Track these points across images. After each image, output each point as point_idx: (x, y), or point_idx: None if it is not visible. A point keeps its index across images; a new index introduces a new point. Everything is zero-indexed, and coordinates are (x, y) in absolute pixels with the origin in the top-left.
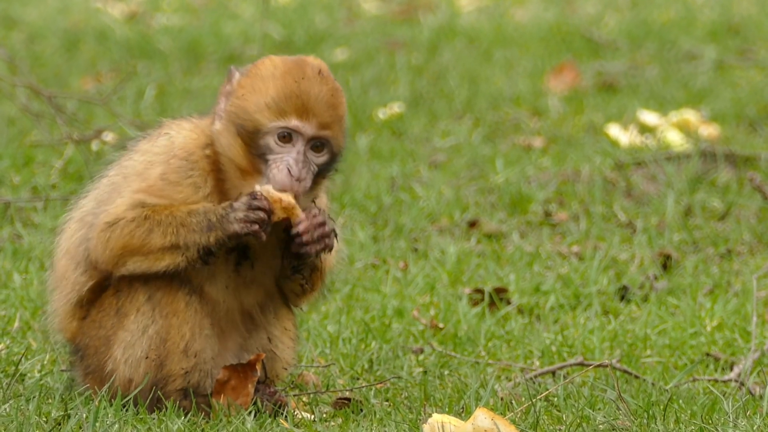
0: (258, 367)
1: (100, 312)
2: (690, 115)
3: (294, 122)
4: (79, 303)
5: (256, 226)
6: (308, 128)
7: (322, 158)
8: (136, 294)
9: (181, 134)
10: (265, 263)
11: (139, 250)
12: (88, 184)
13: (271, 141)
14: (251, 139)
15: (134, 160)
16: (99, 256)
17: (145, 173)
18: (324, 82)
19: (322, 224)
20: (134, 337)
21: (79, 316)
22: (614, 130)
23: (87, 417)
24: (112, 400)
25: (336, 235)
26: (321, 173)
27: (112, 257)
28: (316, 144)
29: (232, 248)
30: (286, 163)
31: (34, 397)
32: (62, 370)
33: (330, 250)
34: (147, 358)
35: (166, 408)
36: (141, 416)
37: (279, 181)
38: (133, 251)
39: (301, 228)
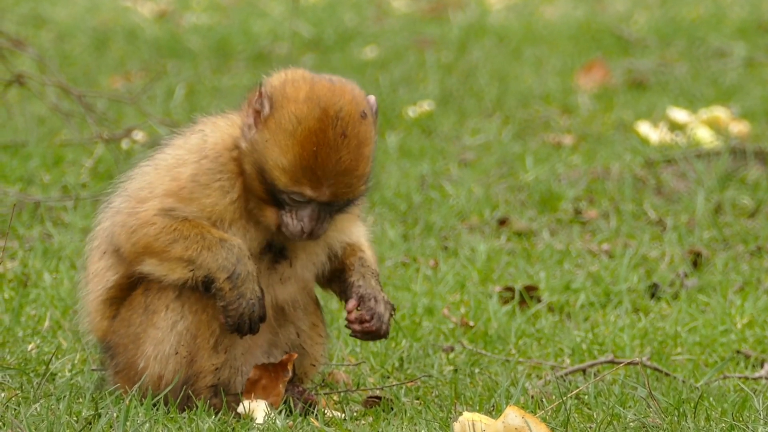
0: (290, 367)
1: (129, 310)
2: (720, 113)
3: (308, 192)
4: (109, 300)
5: (247, 324)
6: (323, 196)
7: (339, 207)
8: (165, 291)
9: (214, 134)
10: (306, 260)
11: (158, 254)
12: (118, 180)
13: (285, 197)
14: (267, 185)
15: (167, 153)
16: (122, 246)
17: (176, 172)
18: (346, 146)
19: (370, 320)
20: (164, 334)
21: (109, 314)
22: (644, 128)
23: (118, 416)
24: (143, 399)
25: (391, 315)
26: (345, 210)
27: (133, 252)
28: (332, 204)
29: (267, 249)
30: (300, 217)
31: (64, 397)
32: (93, 370)
33: (382, 337)
34: (177, 354)
35: (197, 407)
36: (171, 415)
37: (292, 231)
38: (153, 253)
39: (350, 317)
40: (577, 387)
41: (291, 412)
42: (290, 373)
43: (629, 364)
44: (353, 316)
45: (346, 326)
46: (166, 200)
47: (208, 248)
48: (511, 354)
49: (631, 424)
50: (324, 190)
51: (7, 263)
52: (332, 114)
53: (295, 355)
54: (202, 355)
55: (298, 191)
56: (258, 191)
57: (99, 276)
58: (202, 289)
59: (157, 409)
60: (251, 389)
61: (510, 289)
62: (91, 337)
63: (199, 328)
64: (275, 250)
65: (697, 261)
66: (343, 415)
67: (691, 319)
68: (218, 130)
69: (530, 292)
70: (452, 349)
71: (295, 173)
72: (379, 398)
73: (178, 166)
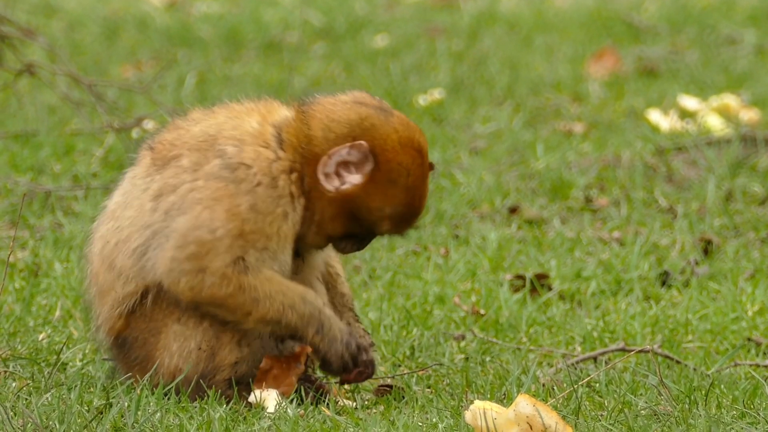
0: (302, 359)
1: (152, 305)
2: (730, 100)
3: (405, 231)
4: (130, 300)
5: (351, 361)
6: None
7: None
8: None
9: (256, 157)
10: (313, 258)
11: (233, 311)
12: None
13: (370, 234)
14: (359, 227)
15: (199, 180)
16: (181, 294)
17: (232, 205)
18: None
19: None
20: (189, 330)
21: (128, 312)
22: (655, 116)
23: (129, 405)
24: (154, 388)
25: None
26: None
27: (191, 299)
28: None
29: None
30: (359, 241)
31: (75, 386)
32: (104, 359)
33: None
34: (200, 349)
35: (208, 396)
36: (183, 404)
37: (343, 251)
38: (225, 308)
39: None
40: (588, 375)
41: (302, 401)
42: (302, 366)
43: (640, 351)
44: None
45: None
46: (235, 246)
47: (291, 306)
48: (522, 342)
49: (642, 411)
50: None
51: (17, 253)
52: (424, 154)
53: (309, 349)
54: (224, 349)
55: (401, 233)
56: (338, 228)
57: (118, 295)
58: (278, 340)
59: (169, 399)
60: (262, 378)
61: (521, 277)
62: (104, 331)
63: (225, 324)
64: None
65: (707, 248)
66: (355, 403)
67: (702, 306)
68: (258, 153)
69: (541, 280)
70: (463, 338)
71: (401, 219)
72: (391, 387)
73: (229, 197)
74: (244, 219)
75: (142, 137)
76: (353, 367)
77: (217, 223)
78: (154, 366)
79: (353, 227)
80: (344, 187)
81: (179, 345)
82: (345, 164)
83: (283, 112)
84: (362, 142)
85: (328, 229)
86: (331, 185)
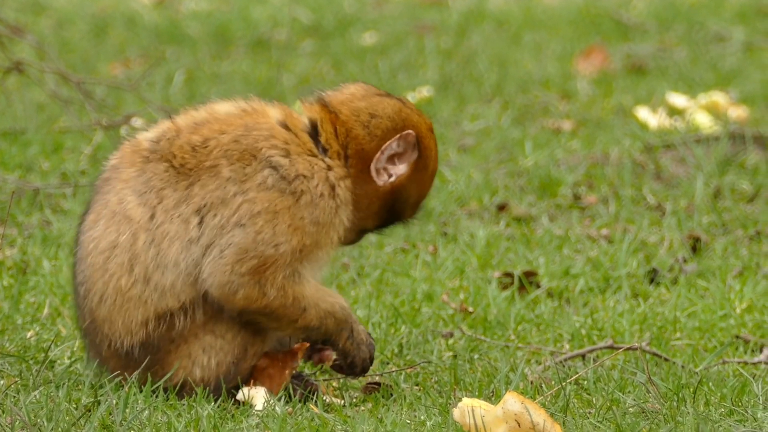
0: (300, 356)
1: (181, 314)
2: (719, 97)
3: (416, 216)
4: (162, 311)
5: (368, 363)
6: None
7: None
8: None
9: (311, 167)
10: None
11: (278, 319)
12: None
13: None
14: (393, 217)
15: (267, 188)
16: (224, 297)
17: (295, 219)
18: None
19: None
20: (223, 342)
21: (157, 324)
22: (643, 113)
23: (117, 403)
24: (142, 386)
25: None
26: None
27: (243, 308)
28: None
29: None
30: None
31: (63, 384)
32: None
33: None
34: (232, 362)
35: (196, 394)
36: (171, 402)
37: (350, 242)
38: (270, 315)
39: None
40: (577, 372)
41: (290, 398)
42: (298, 363)
43: (628, 349)
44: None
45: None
46: (294, 259)
47: (331, 314)
48: (511, 340)
49: (630, 409)
50: None
51: (6, 250)
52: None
53: (307, 345)
54: (247, 361)
55: (414, 216)
56: (376, 221)
57: (154, 290)
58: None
59: (157, 396)
60: (257, 376)
61: (509, 275)
62: (119, 339)
63: (255, 338)
64: None
65: (696, 246)
66: (343, 401)
67: (690, 304)
68: (311, 163)
69: (529, 278)
70: (451, 335)
71: (421, 202)
72: (379, 384)
73: (289, 210)
74: (305, 233)
75: (130, 135)
76: (363, 370)
77: (281, 238)
78: (179, 373)
79: (389, 219)
80: (392, 179)
81: (212, 357)
82: (391, 158)
83: (302, 117)
84: (410, 131)
85: (367, 224)
86: (381, 180)
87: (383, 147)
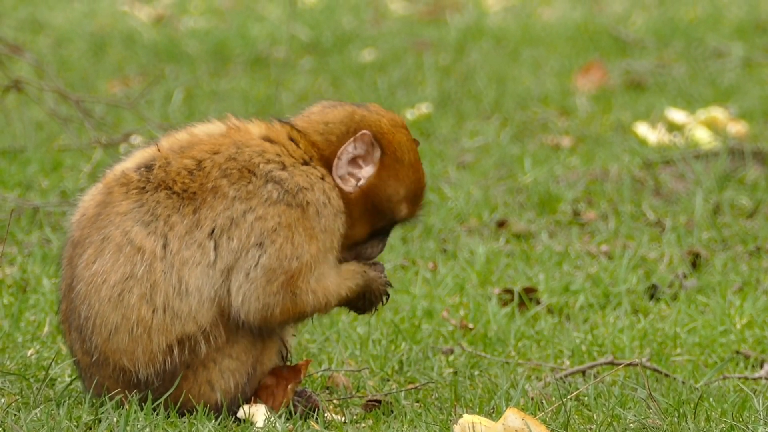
0: (304, 373)
1: (200, 337)
2: (718, 113)
3: (421, 211)
4: (181, 337)
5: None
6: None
7: None
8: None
9: (308, 178)
10: None
11: (308, 316)
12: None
13: (390, 227)
14: (383, 220)
15: (273, 203)
16: (262, 319)
17: (308, 229)
18: None
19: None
20: (238, 364)
21: (179, 350)
22: (642, 129)
23: (118, 421)
24: (143, 403)
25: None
26: None
27: (280, 322)
28: None
29: None
30: (380, 242)
31: (64, 402)
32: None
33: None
34: (245, 383)
35: (196, 411)
36: (172, 420)
37: (369, 257)
38: (302, 317)
39: None
40: (577, 388)
41: (291, 415)
42: (302, 379)
43: (629, 365)
44: None
45: None
46: (316, 263)
47: (347, 297)
48: (511, 356)
49: (631, 425)
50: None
51: (6, 269)
52: (408, 130)
53: (311, 361)
54: (255, 380)
55: (416, 215)
56: (365, 229)
57: (177, 317)
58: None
59: (157, 414)
60: (260, 393)
61: (509, 291)
62: (136, 365)
63: (263, 356)
64: None
65: (696, 262)
66: (344, 418)
67: (690, 319)
68: (307, 173)
69: (529, 294)
70: (452, 352)
71: (415, 197)
72: (379, 401)
73: (300, 222)
74: (318, 240)
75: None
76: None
77: (300, 249)
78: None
79: (377, 222)
80: (361, 182)
81: (227, 380)
82: (353, 161)
83: (273, 128)
84: (364, 131)
85: (356, 235)
86: (349, 186)
87: (339, 152)
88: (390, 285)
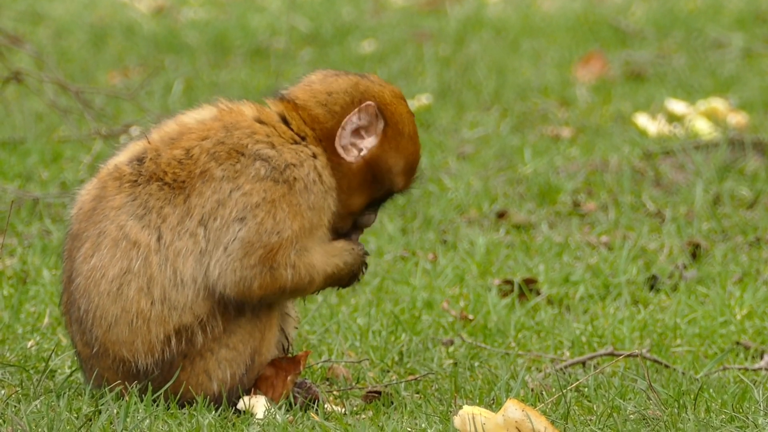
0: (303, 364)
1: (198, 328)
2: (718, 104)
3: (414, 184)
4: (179, 326)
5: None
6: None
7: None
8: (242, 310)
9: (297, 155)
10: None
11: (293, 293)
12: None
13: (388, 198)
14: (381, 191)
15: (260, 179)
16: (240, 293)
17: (293, 205)
18: None
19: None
20: (235, 354)
21: (177, 340)
22: (642, 120)
23: (118, 412)
24: (143, 395)
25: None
26: None
27: (260, 297)
28: None
29: None
30: (375, 211)
31: (64, 393)
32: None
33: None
34: (244, 374)
35: (196, 402)
36: (172, 411)
37: (366, 225)
38: (285, 293)
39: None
40: (577, 379)
41: (291, 406)
42: (301, 370)
43: (629, 356)
44: None
45: None
46: (298, 239)
47: (336, 275)
48: (511, 347)
49: (631, 416)
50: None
51: (6, 260)
52: (407, 102)
53: (310, 353)
54: (255, 370)
55: (411, 187)
56: (363, 199)
57: (174, 308)
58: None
59: (157, 405)
60: (259, 385)
61: (509, 282)
62: (135, 355)
63: (262, 347)
64: None
65: (696, 252)
66: (344, 409)
67: (690, 310)
68: (297, 151)
69: (529, 285)
70: (452, 343)
71: (411, 169)
72: (379, 393)
73: (285, 197)
74: (304, 217)
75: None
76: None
77: (282, 225)
78: (195, 387)
79: (375, 192)
80: (363, 153)
81: (225, 369)
82: (356, 132)
83: (265, 110)
84: (369, 102)
85: (353, 205)
86: (351, 156)
87: (343, 122)
88: (367, 254)
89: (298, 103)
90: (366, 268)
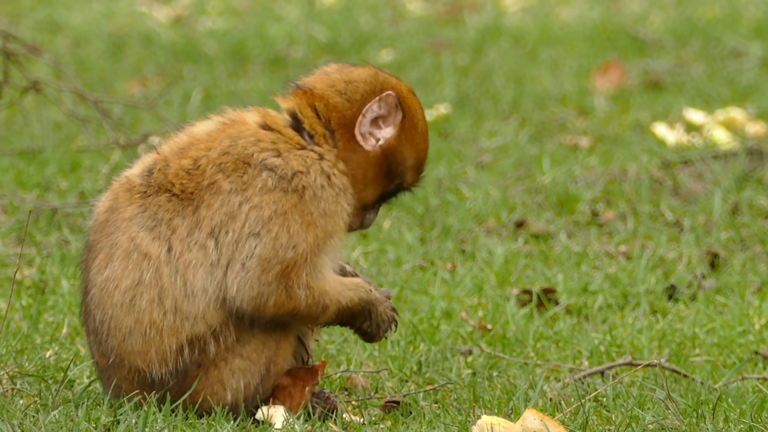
0: (321, 374)
1: (211, 337)
2: (736, 113)
3: (420, 181)
4: (192, 336)
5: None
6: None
7: None
8: (257, 320)
9: (304, 160)
10: None
11: (304, 318)
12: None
13: (395, 193)
14: (392, 185)
15: (269, 190)
16: (256, 309)
17: (305, 216)
18: None
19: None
20: (249, 364)
21: (190, 350)
22: (661, 129)
23: (136, 422)
24: (161, 405)
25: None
26: None
27: (273, 315)
28: None
29: None
30: (376, 209)
31: (83, 403)
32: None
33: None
34: (259, 383)
35: (214, 412)
36: (190, 421)
37: (367, 224)
38: (297, 316)
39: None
40: (596, 389)
41: (309, 416)
42: (319, 380)
43: (647, 366)
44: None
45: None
46: (312, 254)
47: (350, 309)
48: (530, 357)
49: (649, 426)
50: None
51: (24, 270)
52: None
53: (328, 362)
54: (270, 381)
55: (418, 185)
56: (376, 191)
57: (186, 319)
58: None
59: (176, 416)
60: (277, 395)
61: (528, 292)
62: (149, 365)
63: (277, 357)
64: None
65: (714, 262)
66: (362, 419)
67: (709, 320)
68: (302, 157)
69: (548, 295)
70: (470, 353)
71: (421, 165)
72: (398, 402)
73: (296, 208)
74: (317, 226)
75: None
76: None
77: (297, 238)
78: (209, 397)
79: (387, 185)
80: (381, 143)
81: (239, 378)
82: (374, 121)
83: (279, 114)
84: (389, 92)
85: (367, 198)
86: (369, 144)
87: (364, 110)
88: (396, 312)
89: (316, 93)
90: (396, 325)
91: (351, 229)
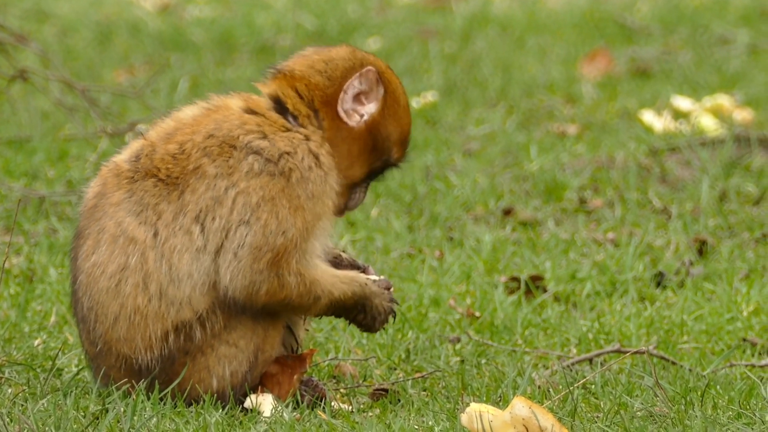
0: (309, 362)
1: (197, 324)
2: (723, 100)
3: (405, 157)
4: (179, 322)
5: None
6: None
7: None
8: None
9: (291, 141)
10: None
11: (296, 307)
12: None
13: (382, 171)
14: (379, 162)
15: (255, 174)
16: (248, 297)
17: (293, 199)
18: None
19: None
20: (237, 351)
21: (175, 336)
22: (648, 116)
23: (125, 411)
24: (150, 393)
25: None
26: None
27: (265, 303)
28: None
29: None
30: (363, 189)
31: (71, 392)
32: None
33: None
34: (247, 371)
35: (203, 401)
36: (179, 409)
37: (354, 205)
38: (289, 306)
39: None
40: (584, 377)
41: (298, 404)
42: (308, 368)
43: (636, 353)
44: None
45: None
46: (302, 239)
47: (343, 303)
48: (518, 344)
49: (638, 413)
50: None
51: (12, 259)
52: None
53: (316, 350)
54: (259, 368)
55: (404, 160)
56: (363, 169)
57: (171, 304)
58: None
59: (165, 404)
60: (266, 383)
61: (516, 279)
62: (135, 351)
63: (265, 344)
64: None
65: (702, 249)
66: (351, 407)
67: (697, 307)
68: (289, 137)
69: (536, 282)
70: (458, 340)
71: (405, 140)
72: (386, 390)
73: (283, 191)
74: (305, 209)
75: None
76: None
77: (286, 224)
78: (196, 383)
79: (373, 161)
80: (365, 118)
81: (225, 365)
82: (357, 97)
83: (253, 98)
84: (369, 68)
85: (354, 176)
86: (353, 121)
87: (345, 86)
88: (396, 303)
89: (296, 74)
90: (394, 316)
91: (339, 210)
